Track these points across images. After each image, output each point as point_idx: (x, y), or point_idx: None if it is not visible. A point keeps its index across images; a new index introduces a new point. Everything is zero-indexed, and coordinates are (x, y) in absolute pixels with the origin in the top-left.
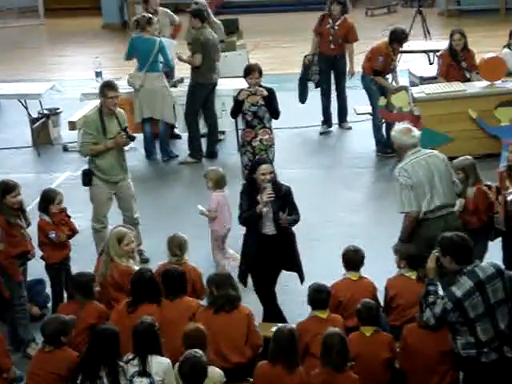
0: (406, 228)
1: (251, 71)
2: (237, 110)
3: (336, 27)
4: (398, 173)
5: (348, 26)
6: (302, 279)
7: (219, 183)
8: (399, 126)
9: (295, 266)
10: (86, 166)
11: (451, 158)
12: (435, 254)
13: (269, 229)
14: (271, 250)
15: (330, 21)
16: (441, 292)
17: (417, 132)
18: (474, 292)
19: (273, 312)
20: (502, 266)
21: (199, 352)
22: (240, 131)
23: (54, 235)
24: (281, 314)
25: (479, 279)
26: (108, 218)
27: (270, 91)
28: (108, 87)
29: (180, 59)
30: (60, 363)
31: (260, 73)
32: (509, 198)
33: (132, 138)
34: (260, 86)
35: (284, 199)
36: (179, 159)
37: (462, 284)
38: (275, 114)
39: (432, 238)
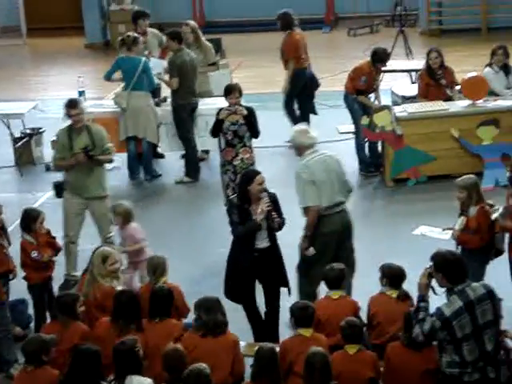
0: (310, 223)
1: (231, 91)
2: (217, 129)
3: (282, 43)
4: (300, 169)
5: (286, 41)
6: (290, 291)
7: (128, 217)
8: (298, 127)
9: (285, 280)
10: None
11: (433, 177)
12: (427, 270)
13: (263, 241)
14: (266, 264)
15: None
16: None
17: (314, 133)
18: (463, 312)
19: (263, 330)
20: (492, 287)
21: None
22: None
23: (36, 255)
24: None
25: (469, 300)
26: (78, 235)
27: (250, 110)
28: (69, 106)
29: (159, 78)
30: (41, 382)
31: (240, 92)
32: (493, 216)
33: (90, 157)
34: (240, 105)
35: (274, 207)
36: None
37: (452, 303)
38: (255, 133)
39: (330, 234)
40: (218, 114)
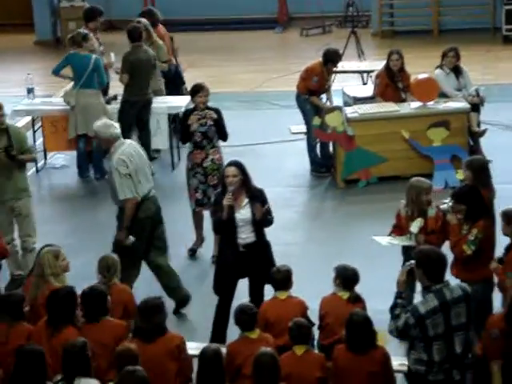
0: (129, 214)
1: (199, 89)
2: (187, 134)
3: None
4: (117, 164)
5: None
6: None
7: None
8: (100, 122)
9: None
10: None
11: (384, 178)
12: (407, 267)
13: (248, 236)
14: (252, 260)
15: None
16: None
17: (116, 123)
18: (438, 312)
19: (222, 332)
20: (469, 290)
21: (135, 366)
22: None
23: None
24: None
25: (445, 300)
26: (12, 235)
27: (218, 112)
28: None
29: (117, 73)
30: None
31: (208, 91)
32: (442, 207)
33: (11, 158)
34: (207, 107)
35: (260, 202)
36: None
37: (428, 301)
38: (224, 135)
39: (146, 218)
40: (184, 118)
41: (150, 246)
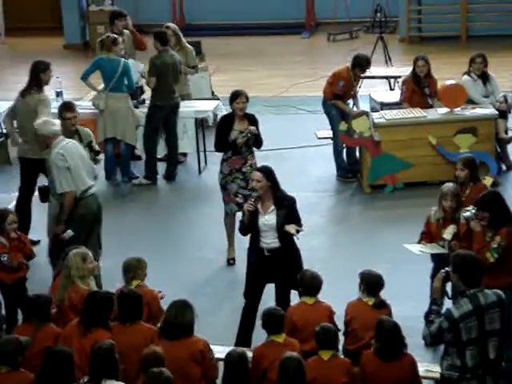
0: (68, 207)
1: (238, 95)
2: (224, 143)
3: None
4: (55, 157)
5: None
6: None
7: None
8: (40, 120)
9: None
10: (44, 183)
11: (410, 184)
12: (442, 274)
13: (273, 241)
14: (276, 265)
15: None
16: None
17: (57, 121)
18: (471, 316)
19: (247, 337)
20: (504, 296)
21: (161, 368)
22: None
23: (5, 258)
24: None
25: (479, 304)
26: None
27: (255, 120)
28: (65, 108)
29: (143, 76)
30: None
31: (247, 98)
32: (465, 214)
33: (96, 153)
34: (246, 114)
35: (288, 210)
36: (133, 181)
37: (462, 306)
38: (259, 143)
39: (87, 215)
40: (221, 125)
41: (86, 243)
